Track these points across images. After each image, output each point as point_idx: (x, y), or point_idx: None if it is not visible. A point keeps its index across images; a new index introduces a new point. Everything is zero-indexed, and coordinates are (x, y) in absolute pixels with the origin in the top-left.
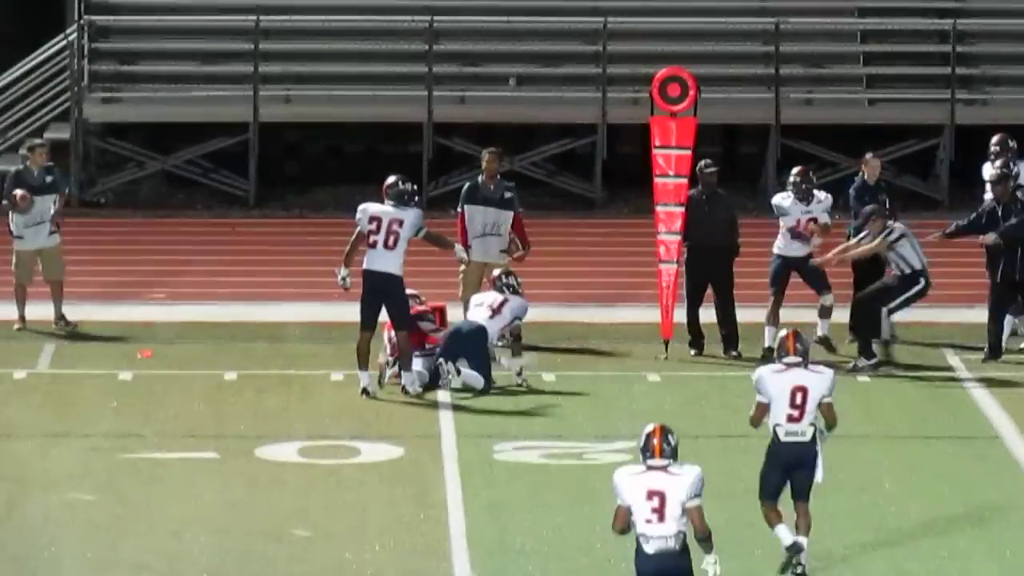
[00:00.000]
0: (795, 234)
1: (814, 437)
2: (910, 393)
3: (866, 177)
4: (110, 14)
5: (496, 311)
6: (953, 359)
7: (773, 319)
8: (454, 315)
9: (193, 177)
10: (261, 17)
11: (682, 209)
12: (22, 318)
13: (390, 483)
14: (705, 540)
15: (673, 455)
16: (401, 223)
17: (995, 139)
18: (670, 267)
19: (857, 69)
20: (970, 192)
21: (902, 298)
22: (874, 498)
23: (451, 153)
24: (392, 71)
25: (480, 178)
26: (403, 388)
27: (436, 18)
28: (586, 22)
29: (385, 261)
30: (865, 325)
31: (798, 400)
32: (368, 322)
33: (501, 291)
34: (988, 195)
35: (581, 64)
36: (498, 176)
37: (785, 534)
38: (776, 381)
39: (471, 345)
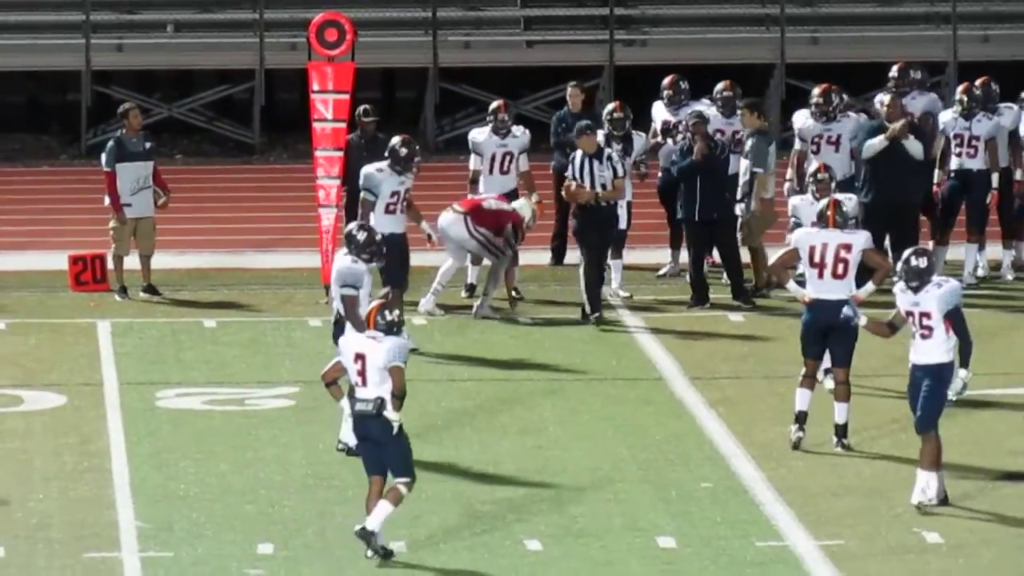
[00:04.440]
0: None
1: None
2: (573, 336)
3: (570, 107)
4: None
5: None
6: (616, 301)
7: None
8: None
9: None
10: None
11: (341, 154)
12: None
13: (54, 432)
14: (398, 397)
15: (388, 329)
16: None
17: (668, 80)
18: (330, 211)
19: (515, 11)
20: None
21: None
22: (538, 442)
23: (110, 101)
24: (49, 19)
25: (121, 132)
26: None
27: None
28: None
29: None
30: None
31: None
32: None
33: None
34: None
35: (239, 10)
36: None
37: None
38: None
39: None
